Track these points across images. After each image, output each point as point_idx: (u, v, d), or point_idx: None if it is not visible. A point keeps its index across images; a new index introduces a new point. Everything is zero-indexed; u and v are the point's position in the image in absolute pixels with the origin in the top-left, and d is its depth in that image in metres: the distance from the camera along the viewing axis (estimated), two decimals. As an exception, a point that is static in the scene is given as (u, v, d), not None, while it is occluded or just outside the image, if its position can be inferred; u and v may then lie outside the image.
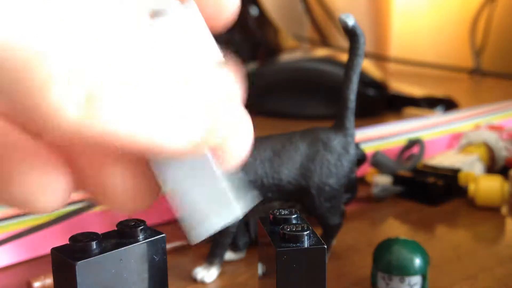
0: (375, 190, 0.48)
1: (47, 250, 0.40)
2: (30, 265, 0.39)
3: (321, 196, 0.37)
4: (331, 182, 0.37)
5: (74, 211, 0.40)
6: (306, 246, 0.25)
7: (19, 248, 0.39)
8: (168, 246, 0.39)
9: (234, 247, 0.39)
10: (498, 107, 0.67)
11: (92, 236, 0.26)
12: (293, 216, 0.27)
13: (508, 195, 0.45)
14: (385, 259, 0.32)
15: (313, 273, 0.26)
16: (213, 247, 0.38)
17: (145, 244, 0.27)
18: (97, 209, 0.41)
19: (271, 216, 0.28)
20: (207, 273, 0.37)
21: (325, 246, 0.26)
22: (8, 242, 0.38)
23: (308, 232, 0.26)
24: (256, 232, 0.39)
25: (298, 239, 0.25)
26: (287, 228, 0.26)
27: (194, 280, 0.36)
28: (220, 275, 0.37)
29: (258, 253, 0.29)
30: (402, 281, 0.32)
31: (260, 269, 0.29)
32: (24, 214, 0.40)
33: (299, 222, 0.27)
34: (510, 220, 0.45)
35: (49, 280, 0.35)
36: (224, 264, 0.38)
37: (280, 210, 0.28)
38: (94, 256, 0.25)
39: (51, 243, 0.39)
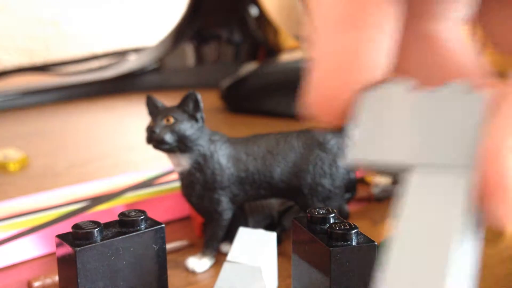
0: (375, 190, 0.48)
1: (47, 250, 0.40)
2: (30, 265, 0.39)
3: (314, 196, 0.37)
4: (324, 183, 0.37)
5: (74, 211, 0.40)
6: (355, 244, 0.26)
7: (19, 248, 0.39)
8: (168, 246, 0.39)
9: (232, 240, 0.39)
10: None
11: (94, 224, 0.27)
12: (331, 216, 0.28)
13: (508, 195, 0.45)
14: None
15: (364, 270, 0.26)
16: (206, 239, 0.38)
17: (145, 233, 0.28)
18: (96, 209, 0.41)
19: (308, 216, 0.28)
20: (199, 263, 0.37)
21: (376, 243, 0.26)
22: (8, 242, 0.38)
23: (356, 230, 0.26)
24: (253, 225, 0.40)
25: (347, 237, 0.26)
26: (336, 227, 0.26)
27: (193, 272, 0.37)
28: (215, 266, 0.37)
29: (294, 251, 0.29)
30: (402, 281, 0.32)
31: (299, 266, 0.29)
32: (23, 214, 0.40)
33: (337, 221, 0.27)
34: (510, 220, 0.44)
35: (49, 280, 0.35)
36: (220, 256, 0.38)
37: (318, 210, 0.28)
38: (95, 243, 0.26)
39: (51, 243, 0.39)
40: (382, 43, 0.18)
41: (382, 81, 0.18)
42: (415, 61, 0.20)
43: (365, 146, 0.17)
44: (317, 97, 0.18)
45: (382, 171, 0.18)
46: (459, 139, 0.16)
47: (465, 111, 0.17)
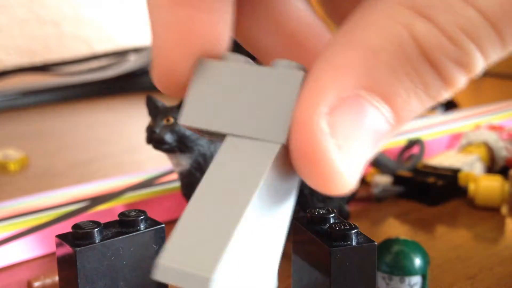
0: (375, 190, 0.48)
1: (47, 250, 0.40)
2: (30, 265, 0.39)
3: (314, 196, 0.37)
4: None
5: (74, 211, 0.40)
6: (355, 244, 0.26)
7: (19, 248, 0.39)
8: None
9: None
10: (498, 107, 0.67)
11: (94, 224, 0.27)
12: (331, 216, 0.28)
13: (508, 195, 0.45)
14: (385, 259, 0.32)
15: (364, 270, 0.26)
16: None
17: (145, 233, 0.28)
18: (96, 209, 0.41)
19: (308, 216, 0.28)
20: None
21: (376, 243, 0.26)
22: (8, 242, 0.38)
23: (356, 230, 0.26)
24: None
25: (347, 237, 0.26)
26: (336, 227, 0.26)
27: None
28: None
29: (294, 251, 0.29)
30: (402, 281, 0.32)
31: (299, 266, 0.29)
32: (23, 214, 0.40)
33: (337, 221, 0.28)
34: (510, 220, 0.45)
35: (49, 280, 0.35)
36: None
37: (318, 210, 0.28)
38: (95, 243, 0.26)
39: (51, 243, 0.39)
40: (218, 15, 0.18)
41: (221, 54, 0.19)
42: (262, 31, 0.20)
43: (193, 113, 0.18)
44: (158, 70, 0.18)
45: (210, 135, 0.19)
46: (275, 114, 0.17)
47: (284, 88, 0.17)
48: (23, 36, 1.04)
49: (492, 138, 0.52)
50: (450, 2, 0.15)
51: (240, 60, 0.18)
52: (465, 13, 0.15)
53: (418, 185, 0.47)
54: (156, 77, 0.19)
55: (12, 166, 0.58)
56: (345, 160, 0.15)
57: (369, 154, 0.16)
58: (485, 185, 0.45)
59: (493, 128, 0.56)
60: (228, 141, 0.18)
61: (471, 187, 0.46)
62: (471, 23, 0.15)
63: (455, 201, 0.47)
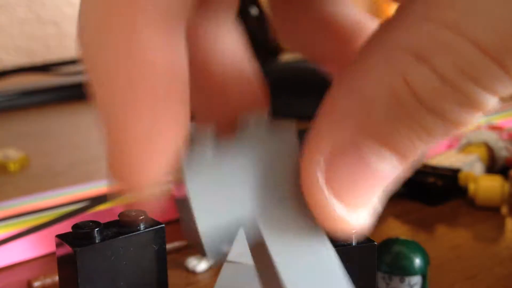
0: (375, 190, 0.48)
1: (47, 250, 0.40)
2: (30, 265, 0.39)
3: None
4: None
5: (74, 211, 0.40)
6: (355, 243, 0.26)
7: (19, 248, 0.39)
8: (168, 246, 0.39)
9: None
10: (498, 107, 0.67)
11: (94, 224, 0.27)
12: None
13: (508, 195, 0.45)
14: (385, 259, 0.32)
15: (364, 270, 0.26)
16: None
17: (145, 233, 0.28)
18: (97, 209, 0.41)
19: None
20: (199, 263, 0.37)
21: (376, 243, 0.26)
22: (8, 242, 0.38)
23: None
24: None
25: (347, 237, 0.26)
26: None
27: (193, 272, 0.37)
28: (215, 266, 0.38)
29: None
30: (402, 281, 0.32)
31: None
32: (23, 214, 0.40)
33: None
34: (510, 220, 0.45)
35: (49, 280, 0.35)
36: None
37: None
38: (95, 243, 0.26)
39: (52, 243, 0.39)
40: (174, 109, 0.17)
41: (186, 139, 0.18)
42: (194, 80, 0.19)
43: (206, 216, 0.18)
44: (119, 167, 0.18)
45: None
46: (286, 178, 0.18)
47: (280, 149, 0.18)
48: (23, 36, 1.04)
49: (492, 138, 0.52)
50: (447, 41, 0.14)
51: (205, 139, 0.18)
52: (463, 51, 0.14)
53: (418, 185, 0.47)
54: (115, 173, 0.18)
55: (12, 166, 0.58)
56: (347, 206, 0.16)
57: (375, 196, 0.16)
58: (485, 185, 0.45)
59: (493, 128, 0.56)
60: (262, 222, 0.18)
61: (471, 187, 0.46)
62: (471, 62, 0.14)
63: (455, 201, 0.47)
